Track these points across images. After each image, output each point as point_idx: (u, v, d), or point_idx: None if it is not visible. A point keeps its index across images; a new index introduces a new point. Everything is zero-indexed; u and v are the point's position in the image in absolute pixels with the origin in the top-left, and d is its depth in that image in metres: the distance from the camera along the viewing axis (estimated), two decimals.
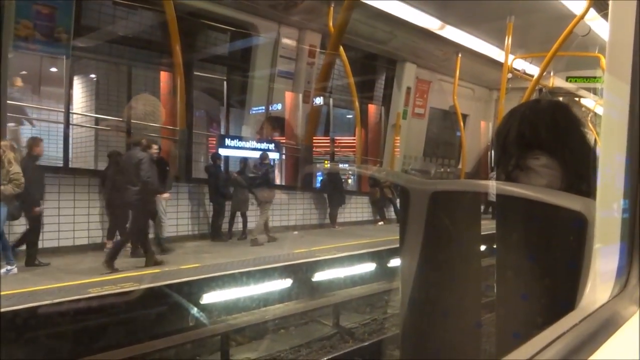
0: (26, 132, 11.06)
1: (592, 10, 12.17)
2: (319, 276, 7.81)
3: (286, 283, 7.27)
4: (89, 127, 11.13)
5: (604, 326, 0.67)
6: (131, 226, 7.33)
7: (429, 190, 1.15)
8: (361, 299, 8.02)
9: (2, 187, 6.17)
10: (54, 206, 7.90)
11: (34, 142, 7.16)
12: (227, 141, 11.37)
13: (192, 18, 10.88)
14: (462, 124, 17.94)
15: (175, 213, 9.36)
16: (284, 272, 7.23)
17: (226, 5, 11.55)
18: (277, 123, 13.31)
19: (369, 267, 8.50)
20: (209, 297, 6.35)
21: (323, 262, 7.83)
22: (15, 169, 6.25)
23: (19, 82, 9.62)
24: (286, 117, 13.21)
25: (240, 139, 11.81)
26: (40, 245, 7.68)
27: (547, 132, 1.22)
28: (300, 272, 7.50)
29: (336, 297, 7.79)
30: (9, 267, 6.43)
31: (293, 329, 6.93)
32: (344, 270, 8.19)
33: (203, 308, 6.29)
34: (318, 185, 13.89)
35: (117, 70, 11.29)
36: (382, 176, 16.14)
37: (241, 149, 11.31)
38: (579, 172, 1.17)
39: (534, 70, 15.81)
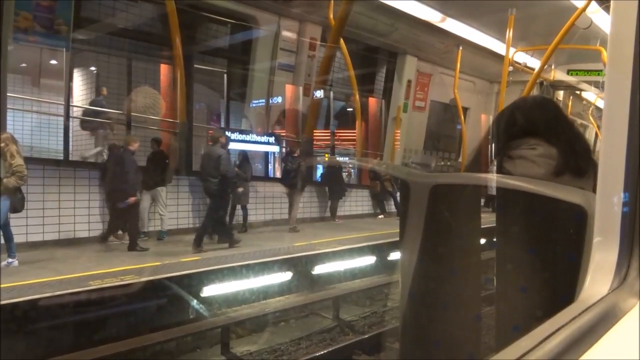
0: (25, 124, 11.09)
1: (593, 3, 12.12)
2: (322, 269, 7.84)
3: (288, 275, 7.30)
4: (88, 120, 11.11)
5: (604, 318, 0.67)
6: (209, 215, 8.25)
7: (429, 184, 1.15)
8: (361, 291, 8.03)
9: (5, 180, 6.16)
10: (54, 199, 7.91)
11: (131, 139, 8.10)
12: (227, 134, 11.35)
13: (192, 10, 10.84)
14: (462, 117, 17.92)
15: (176, 206, 9.37)
16: (287, 265, 7.25)
17: None
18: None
19: (369, 260, 8.53)
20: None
21: (324, 255, 7.86)
22: (18, 161, 6.23)
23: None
24: (286, 110, 13.20)
25: (241, 132, 11.80)
26: (41, 238, 7.73)
27: (541, 121, 1.29)
28: (304, 265, 7.53)
29: (336, 290, 7.81)
30: (9, 260, 6.44)
31: (293, 322, 6.96)
32: (345, 263, 8.21)
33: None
34: (318, 178, 13.90)
35: (117, 62, 11.26)
36: (382, 169, 16.15)
37: (242, 142, 11.30)
38: (573, 156, 1.21)
39: (535, 63, 15.77)
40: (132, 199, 7.73)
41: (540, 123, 1.28)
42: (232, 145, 11.29)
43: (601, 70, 15.64)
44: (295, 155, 10.71)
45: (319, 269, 7.82)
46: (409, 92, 16.28)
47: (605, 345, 0.62)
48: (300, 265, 7.51)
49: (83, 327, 5.42)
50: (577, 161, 1.21)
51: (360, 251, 8.41)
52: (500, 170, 1.26)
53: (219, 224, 8.32)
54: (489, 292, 1.08)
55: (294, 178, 10.28)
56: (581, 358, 0.58)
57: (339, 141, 15.89)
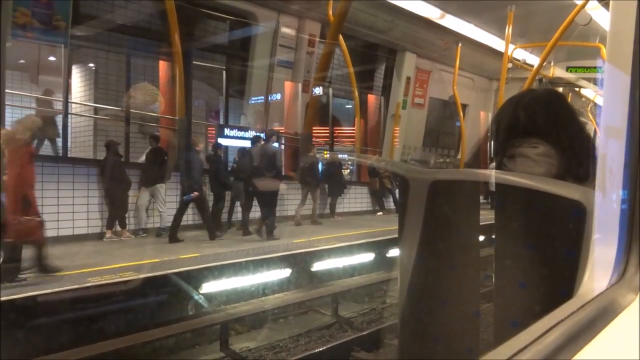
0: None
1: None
2: (321, 266, 7.85)
3: (287, 272, 7.31)
4: (87, 117, 11.10)
5: (603, 313, 0.68)
6: (266, 207, 8.90)
7: (428, 180, 1.15)
8: (360, 288, 8.04)
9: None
10: (53, 195, 7.91)
11: (198, 139, 9.20)
12: (227, 131, 11.35)
13: (191, 7, 10.81)
14: (461, 114, 17.91)
15: (175, 203, 9.36)
16: (286, 261, 7.26)
17: None
18: None
19: (368, 257, 8.53)
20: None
21: (324, 252, 7.88)
22: None
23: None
24: (285, 107, 13.18)
25: (240, 128, 11.79)
26: None
27: (544, 120, 1.24)
28: (304, 261, 7.54)
29: (335, 286, 7.82)
30: None
31: (292, 319, 6.97)
32: (343, 260, 8.22)
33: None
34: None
35: (116, 59, 11.24)
36: (381, 166, 16.16)
37: (240, 139, 11.28)
38: (576, 160, 1.18)
39: (534, 60, 15.75)
40: (195, 194, 8.45)
41: (542, 121, 1.24)
42: (232, 142, 11.31)
43: (600, 67, 15.62)
44: (311, 153, 11.32)
45: (317, 266, 7.83)
46: (408, 89, 16.26)
47: (604, 340, 0.62)
48: (300, 262, 7.52)
49: (83, 323, 5.42)
50: (579, 164, 1.17)
51: (359, 248, 8.41)
52: (501, 169, 1.24)
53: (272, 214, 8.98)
54: (488, 288, 1.08)
55: (311, 174, 10.93)
56: (580, 352, 0.58)
57: (338, 138, 15.88)
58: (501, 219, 1.02)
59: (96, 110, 11.23)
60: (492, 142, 1.32)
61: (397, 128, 16.06)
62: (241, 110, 13.58)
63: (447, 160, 18.96)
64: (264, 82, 12.95)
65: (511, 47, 14.59)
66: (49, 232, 7.83)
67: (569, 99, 20.73)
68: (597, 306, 0.69)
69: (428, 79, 17.10)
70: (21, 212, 5.46)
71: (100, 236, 8.36)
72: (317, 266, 7.82)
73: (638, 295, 0.73)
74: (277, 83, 12.95)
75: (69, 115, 10.04)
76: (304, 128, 12.58)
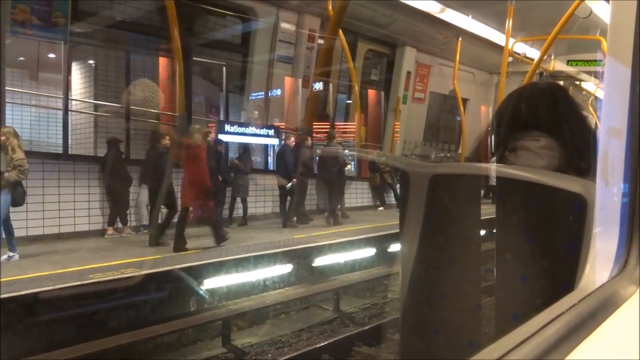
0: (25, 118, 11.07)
1: None
2: (323, 261, 7.87)
3: (289, 267, 7.32)
4: (87, 114, 11.09)
5: (604, 306, 0.68)
6: (330, 199, 10.36)
7: (428, 174, 1.15)
8: (361, 283, 8.06)
9: (6, 174, 6.16)
10: (54, 193, 7.91)
11: (289, 138, 10.33)
12: (227, 127, 11.33)
13: (190, 3, 10.77)
14: (462, 108, 17.87)
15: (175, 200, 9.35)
16: (288, 257, 7.27)
17: None
18: None
19: (369, 251, 8.55)
20: None
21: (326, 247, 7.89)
22: (19, 155, 6.23)
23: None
24: (286, 102, 13.16)
25: (240, 124, 11.77)
26: (41, 232, 7.75)
27: (546, 113, 1.24)
28: (306, 257, 7.55)
29: (337, 282, 7.83)
30: (10, 254, 6.45)
31: (294, 314, 6.98)
32: (345, 255, 8.23)
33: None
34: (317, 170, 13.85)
35: (115, 55, 11.21)
36: (382, 160, 16.14)
37: (241, 135, 11.27)
38: (578, 153, 1.18)
39: (534, 53, 15.71)
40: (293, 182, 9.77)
41: (544, 114, 1.23)
42: (231, 138, 11.29)
43: (601, 60, 15.57)
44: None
45: (319, 261, 7.84)
46: (408, 84, 16.23)
47: (605, 332, 0.62)
48: (303, 257, 7.54)
49: (84, 320, 5.44)
50: (581, 157, 1.17)
51: (360, 243, 8.42)
52: (502, 162, 1.25)
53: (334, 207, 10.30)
54: (489, 282, 1.08)
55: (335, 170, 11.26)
56: (581, 345, 0.58)
57: (339, 134, 15.84)
58: (502, 212, 1.03)
59: (96, 107, 11.22)
60: (494, 136, 1.32)
61: (398, 123, 16.03)
62: (241, 106, 13.56)
63: (448, 154, 18.94)
64: (264, 77, 12.92)
65: (511, 40, 14.54)
66: (50, 230, 7.88)
67: (570, 92, 20.64)
68: (598, 299, 0.69)
69: (428, 73, 17.06)
70: (204, 198, 7.22)
71: (102, 233, 8.37)
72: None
73: (639, 288, 0.74)
74: (277, 79, 12.93)
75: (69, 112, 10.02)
76: (303, 123, 12.57)
